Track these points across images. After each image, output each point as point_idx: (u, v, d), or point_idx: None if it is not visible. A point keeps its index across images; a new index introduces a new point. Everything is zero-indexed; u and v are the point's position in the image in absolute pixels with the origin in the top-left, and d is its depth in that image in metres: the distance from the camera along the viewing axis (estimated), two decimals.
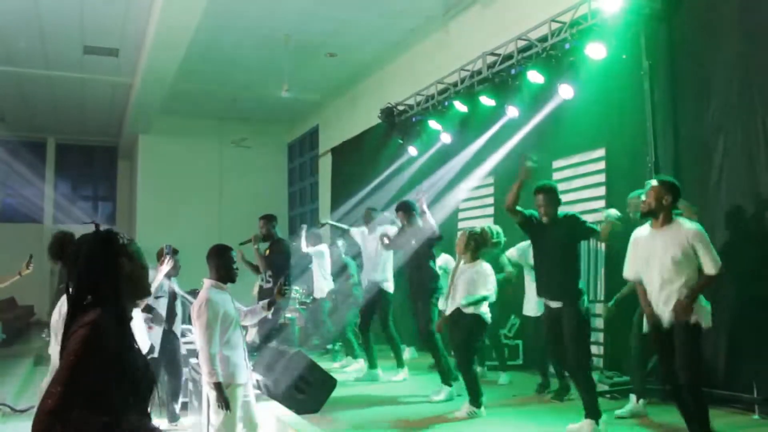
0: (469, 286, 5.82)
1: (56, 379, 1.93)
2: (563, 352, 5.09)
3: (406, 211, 6.96)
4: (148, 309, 5.92)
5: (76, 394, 1.92)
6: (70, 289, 2.15)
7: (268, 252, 8.01)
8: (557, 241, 5.04)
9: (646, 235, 4.43)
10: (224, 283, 4.37)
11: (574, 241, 5.11)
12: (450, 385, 6.43)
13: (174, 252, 6.58)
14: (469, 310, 5.80)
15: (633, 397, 5.52)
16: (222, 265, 4.38)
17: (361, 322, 7.77)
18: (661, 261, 4.26)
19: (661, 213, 4.30)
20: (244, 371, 4.30)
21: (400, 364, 7.60)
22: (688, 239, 4.21)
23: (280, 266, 7.84)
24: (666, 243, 4.25)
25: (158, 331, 6.19)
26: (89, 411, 1.94)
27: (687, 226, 4.28)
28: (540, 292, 5.30)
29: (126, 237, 2.26)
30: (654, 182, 4.42)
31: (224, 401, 4.10)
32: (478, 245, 5.97)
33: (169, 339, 6.36)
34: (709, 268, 4.19)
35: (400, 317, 8.42)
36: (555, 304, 5.08)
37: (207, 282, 4.37)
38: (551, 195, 5.15)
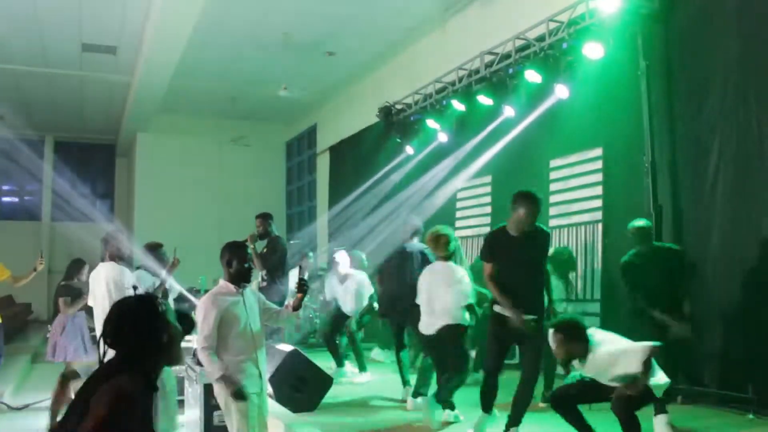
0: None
1: None
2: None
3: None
4: None
5: None
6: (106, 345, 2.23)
7: (265, 250, 8.02)
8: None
9: None
10: (235, 283, 4.15)
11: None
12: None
13: (158, 246, 6.63)
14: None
15: None
16: (230, 263, 4.17)
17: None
18: None
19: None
20: (254, 380, 4.09)
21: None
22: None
23: (277, 264, 7.85)
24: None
25: None
26: None
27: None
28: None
29: (163, 303, 2.34)
30: None
31: (236, 393, 3.95)
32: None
33: None
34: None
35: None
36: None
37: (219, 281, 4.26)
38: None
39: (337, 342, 7.73)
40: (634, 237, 5.70)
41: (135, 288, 2.73)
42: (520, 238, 4.86)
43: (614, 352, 4.19)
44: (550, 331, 4.39)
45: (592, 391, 4.37)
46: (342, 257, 7.95)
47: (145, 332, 2.22)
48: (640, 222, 5.74)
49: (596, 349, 4.25)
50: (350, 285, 7.70)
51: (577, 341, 4.27)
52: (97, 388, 2.08)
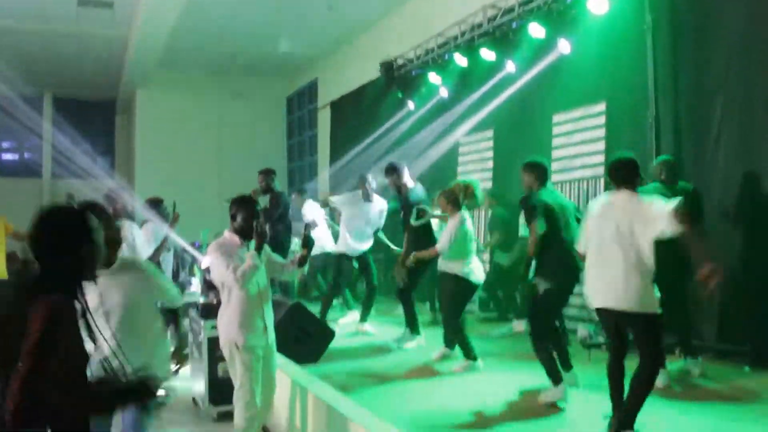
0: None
1: (22, 360, 1.96)
2: None
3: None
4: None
5: (44, 371, 1.97)
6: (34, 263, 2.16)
7: (267, 206, 8.03)
8: None
9: None
10: (240, 236, 4.22)
11: None
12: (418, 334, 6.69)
13: (159, 201, 6.63)
14: (448, 269, 5.85)
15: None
16: (234, 217, 4.23)
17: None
18: None
19: None
20: (259, 333, 4.17)
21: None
22: None
23: (280, 219, 7.87)
24: None
25: None
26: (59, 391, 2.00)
27: None
28: None
29: (94, 217, 2.25)
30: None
31: (261, 235, 4.11)
32: (450, 200, 5.92)
33: None
34: None
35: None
36: None
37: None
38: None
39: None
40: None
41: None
42: None
43: None
44: None
45: None
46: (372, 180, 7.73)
47: (70, 247, 2.17)
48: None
49: None
50: (376, 206, 7.56)
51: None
52: (21, 308, 2.04)
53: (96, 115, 18.71)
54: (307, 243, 4.38)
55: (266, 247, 4.34)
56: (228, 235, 4.27)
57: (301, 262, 4.39)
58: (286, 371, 5.16)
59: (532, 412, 4.47)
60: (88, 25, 12.18)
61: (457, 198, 5.90)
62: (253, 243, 4.22)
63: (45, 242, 2.17)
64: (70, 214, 2.25)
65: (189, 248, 6.94)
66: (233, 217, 4.24)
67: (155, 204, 6.80)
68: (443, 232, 5.96)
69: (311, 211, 8.92)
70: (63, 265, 2.15)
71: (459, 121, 9.31)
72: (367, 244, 7.57)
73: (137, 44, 12.75)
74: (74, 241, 2.18)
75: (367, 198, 7.50)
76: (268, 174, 8.08)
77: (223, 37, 13.26)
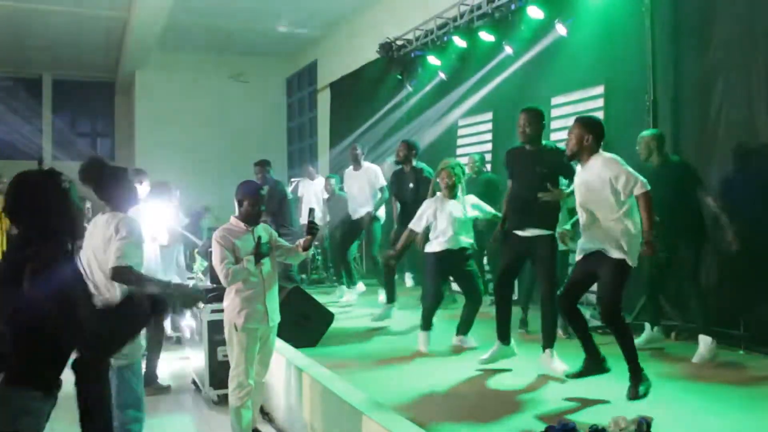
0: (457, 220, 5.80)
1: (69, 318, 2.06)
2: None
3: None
4: None
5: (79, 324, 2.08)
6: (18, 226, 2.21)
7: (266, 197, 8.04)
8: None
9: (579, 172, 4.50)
10: (245, 222, 4.29)
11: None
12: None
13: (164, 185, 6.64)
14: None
15: (647, 325, 5.57)
16: (241, 203, 4.28)
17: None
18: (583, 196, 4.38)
19: (584, 153, 4.34)
20: (259, 316, 4.27)
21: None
22: (602, 172, 4.24)
23: (277, 208, 7.89)
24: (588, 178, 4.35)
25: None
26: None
27: (601, 158, 4.30)
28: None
29: (67, 179, 2.28)
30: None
31: (258, 254, 4.18)
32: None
33: None
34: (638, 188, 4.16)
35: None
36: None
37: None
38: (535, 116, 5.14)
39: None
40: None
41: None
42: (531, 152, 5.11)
43: (617, 158, 4.24)
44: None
45: (586, 278, 4.46)
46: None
47: (45, 208, 2.19)
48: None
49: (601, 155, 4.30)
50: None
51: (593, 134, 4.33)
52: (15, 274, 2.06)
53: (95, 96, 18.63)
54: (311, 229, 4.42)
55: (273, 232, 4.47)
56: (234, 221, 4.33)
57: (306, 246, 4.44)
58: (283, 353, 5.20)
59: (526, 391, 4.50)
60: (85, 6, 12.11)
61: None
62: (258, 228, 4.29)
63: (21, 205, 2.20)
64: (40, 176, 2.28)
65: (186, 233, 6.92)
66: (240, 203, 4.30)
67: (163, 187, 6.72)
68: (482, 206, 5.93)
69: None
70: (43, 225, 2.17)
71: (458, 103, 9.30)
72: (358, 213, 7.85)
73: (136, 25, 12.68)
74: (49, 200, 2.20)
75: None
76: (263, 166, 8.12)
77: (222, 17, 13.19)
